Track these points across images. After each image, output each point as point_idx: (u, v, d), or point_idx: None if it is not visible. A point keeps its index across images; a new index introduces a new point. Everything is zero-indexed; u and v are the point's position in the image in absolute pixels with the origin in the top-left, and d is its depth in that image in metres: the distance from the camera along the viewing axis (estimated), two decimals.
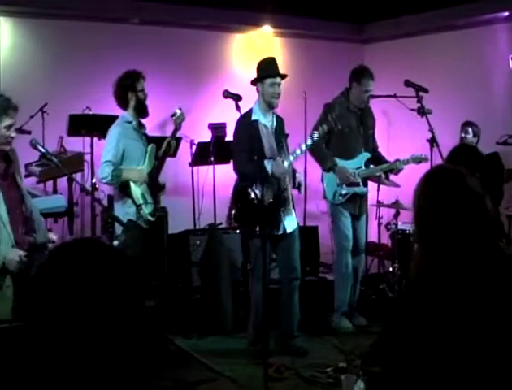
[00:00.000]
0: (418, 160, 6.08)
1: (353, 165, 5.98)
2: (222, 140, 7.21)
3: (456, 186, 1.95)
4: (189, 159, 7.11)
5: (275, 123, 5.26)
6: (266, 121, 5.19)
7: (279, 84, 5.20)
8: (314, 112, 6.24)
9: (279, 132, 5.30)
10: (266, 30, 8.28)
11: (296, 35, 8.59)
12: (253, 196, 5.02)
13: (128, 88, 5.13)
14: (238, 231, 6.66)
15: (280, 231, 5.21)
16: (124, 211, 5.04)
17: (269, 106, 5.19)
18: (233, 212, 5.05)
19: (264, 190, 5.04)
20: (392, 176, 6.53)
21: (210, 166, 7.11)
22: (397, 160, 6.07)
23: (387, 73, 8.47)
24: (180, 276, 6.42)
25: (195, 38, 7.88)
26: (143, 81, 5.19)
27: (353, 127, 5.96)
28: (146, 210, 5.11)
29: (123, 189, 5.09)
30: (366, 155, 6.02)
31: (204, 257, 6.25)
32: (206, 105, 7.79)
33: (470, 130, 6.59)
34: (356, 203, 6.05)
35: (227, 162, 7.33)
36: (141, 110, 5.20)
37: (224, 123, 7.29)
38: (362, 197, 6.10)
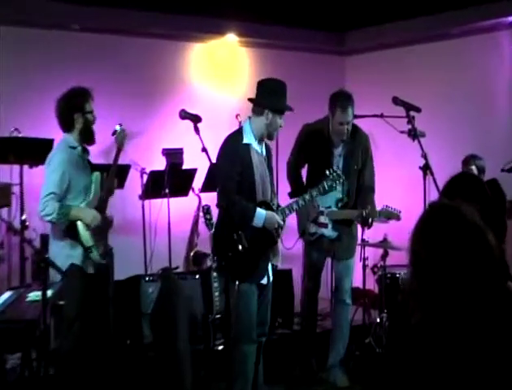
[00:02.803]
0: (388, 215, 6.08)
1: (324, 203, 6.01)
2: (178, 168, 7.19)
3: (453, 223, 1.98)
4: (140, 191, 7.07)
5: (264, 152, 5.21)
6: (258, 147, 5.13)
7: None
8: (288, 135, 6.25)
9: (268, 164, 5.24)
10: (231, 39, 8.34)
11: (265, 45, 8.66)
12: (240, 247, 4.95)
13: (76, 109, 5.13)
14: (198, 276, 6.63)
15: (266, 281, 5.19)
16: (66, 253, 4.98)
17: (268, 136, 5.15)
18: (214, 263, 4.92)
19: (249, 236, 5.04)
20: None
21: (165, 200, 7.08)
22: (364, 210, 5.98)
23: (372, 89, 8.57)
24: (129, 331, 6.34)
25: (146, 48, 7.90)
26: (92, 102, 5.21)
27: (328, 161, 5.99)
28: (96, 251, 5.06)
29: (69, 230, 5.02)
30: (336, 194, 6.00)
31: (157, 307, 6.18)
32: (160, 127, 7.78)
33: (473, 166, 6.61)
34: (326, 247, 6.13)
35: (185, 193, 7.34)
36: (88, 136, 5.20)
37: (181, 149, 7.28)
38: (335, 241, 6.12)
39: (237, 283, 4.92)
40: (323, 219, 6.02)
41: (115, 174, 5.48)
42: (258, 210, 5.03)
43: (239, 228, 4.97)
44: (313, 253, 6.20)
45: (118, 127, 5.56)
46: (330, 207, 6.05)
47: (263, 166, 5.13)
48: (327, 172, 5.36)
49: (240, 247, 4.94)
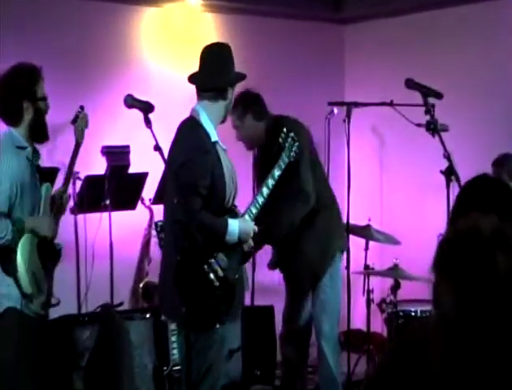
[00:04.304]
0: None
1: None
2: (123, 172, 7.14)
3: (479, 266, 1.96)
4: (71, 202, 6.99)
5: None
6: (220, 141, 5.25)
7: None
8: None
9: None
10: (192, 2, 8.34)
11: (236, 10, 8.66)
12: (212, 276, 5.01)
13: (25, 95, 5.04)
14: (149, 314, 6.58)
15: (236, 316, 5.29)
16: (2, 293, 4.92)
17: (224, 119, 5.33)
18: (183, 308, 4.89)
19: (228, 263, 5.10)
20: (388, 230, 6.56)
21: (105, 214, 7.05)
22: None
23: (378, 68, 8.58)
24: (58, 388, 6.28)
25: (81, 12, 7.84)
26: (44, 84, 5.14)
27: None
28: (38, 302, 4.98)
29: (3, 263, 4.92)
30: None
31: (94, 358, 6.14)
32: (99, 118, 7.68)
33: (504, 170, 6.62)
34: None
35: (132, 206, 7.28)
36: (40, 130, 5.13)
37: (127, 147, 7.22)
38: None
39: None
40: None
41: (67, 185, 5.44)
42: (230, 221, 5.10)
43: (207, 254, 5.01)
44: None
45: (81, 112, 5.54)
46: None
47: (230, 164, 5.24)
48: (280, 140, 5.63)
49: (213, 279, 4.99)
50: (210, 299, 4.97)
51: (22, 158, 5.03)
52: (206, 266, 4.97)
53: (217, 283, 5.01)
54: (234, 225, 5.10)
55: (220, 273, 5.03)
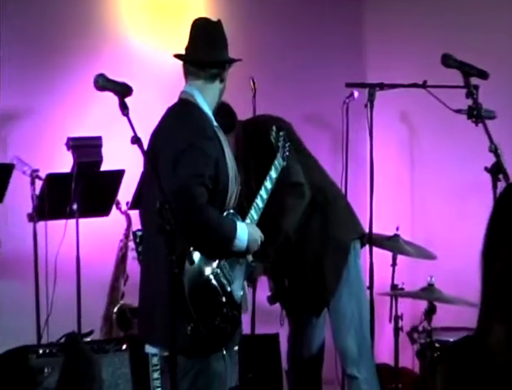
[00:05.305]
0: None
1: None
2: (94, 169, 7.12)
3: None
4: (30, 208, 7.00)
5: None
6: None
7: None
8: (291, 114, 6.31)
9: None
10: None
11: None
12: (219, 290, 5.06)
13: None
14: (125, 346, 6.55)
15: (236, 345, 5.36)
16: None
17: (215, 105, 5.42)
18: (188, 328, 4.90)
19: (234, 275, 5.18)
20: (421, 241, 6.55)
21: (72, 221, 7.04)
22: None
23: (407, 42, 8.56)
24: None
25: None
26: None
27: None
28: None
29: None
30: None
31: None
32: (65, 104, 7.71)
33: None
34: None
35: (105, 211, 7.25)
36: None
37: (98, 138, 7.18)
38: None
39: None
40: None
41: None
42: (239, 224, 5.15)
43: (211, 262, 5.05)
44: None
45: None
46: None
47: (233, 158, 5.31)
48: (272, 140, 5.85)
49: (220, 292, 5.04)
50: (215, 316, 4.99)
51: None
52: (212, 277, 4.99)
53: (224, 299, 5.06)
54: (243, 229, 5.13)
55: (227, 287, 5.09)
